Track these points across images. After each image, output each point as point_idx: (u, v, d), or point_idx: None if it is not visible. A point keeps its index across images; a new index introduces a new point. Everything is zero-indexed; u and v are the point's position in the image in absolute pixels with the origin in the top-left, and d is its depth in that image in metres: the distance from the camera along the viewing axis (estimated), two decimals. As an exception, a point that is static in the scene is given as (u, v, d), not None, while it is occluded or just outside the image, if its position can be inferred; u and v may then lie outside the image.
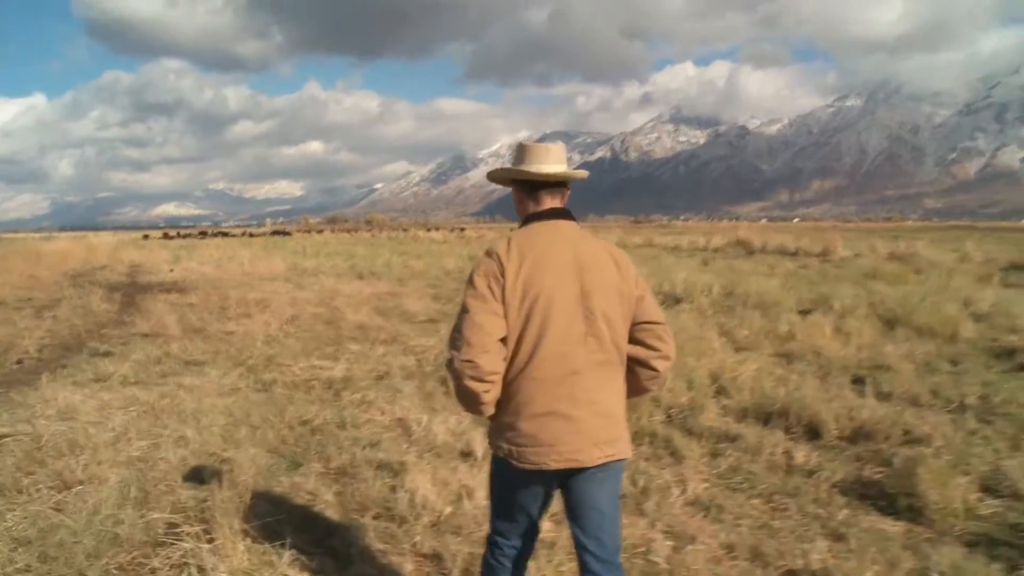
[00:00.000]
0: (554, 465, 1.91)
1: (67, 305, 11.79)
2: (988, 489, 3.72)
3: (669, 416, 5.10)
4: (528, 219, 2.05)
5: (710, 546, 3.20)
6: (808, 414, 4.85)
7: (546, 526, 2.92)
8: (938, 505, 3.46)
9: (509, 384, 1.94)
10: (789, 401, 5.05)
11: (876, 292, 10.66)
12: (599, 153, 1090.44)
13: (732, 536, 3.30)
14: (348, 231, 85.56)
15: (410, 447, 4.54)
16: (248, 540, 2.97)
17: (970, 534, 3.30)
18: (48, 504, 3.41)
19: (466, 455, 4.32)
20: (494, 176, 2.16)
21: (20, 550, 2.99)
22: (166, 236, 71.28)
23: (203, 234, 75.76)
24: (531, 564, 2.41)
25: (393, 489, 3.77)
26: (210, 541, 2.96)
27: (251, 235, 70.80)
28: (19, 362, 7.48)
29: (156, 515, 3.29)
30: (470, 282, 1.93)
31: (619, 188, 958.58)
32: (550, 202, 2.06)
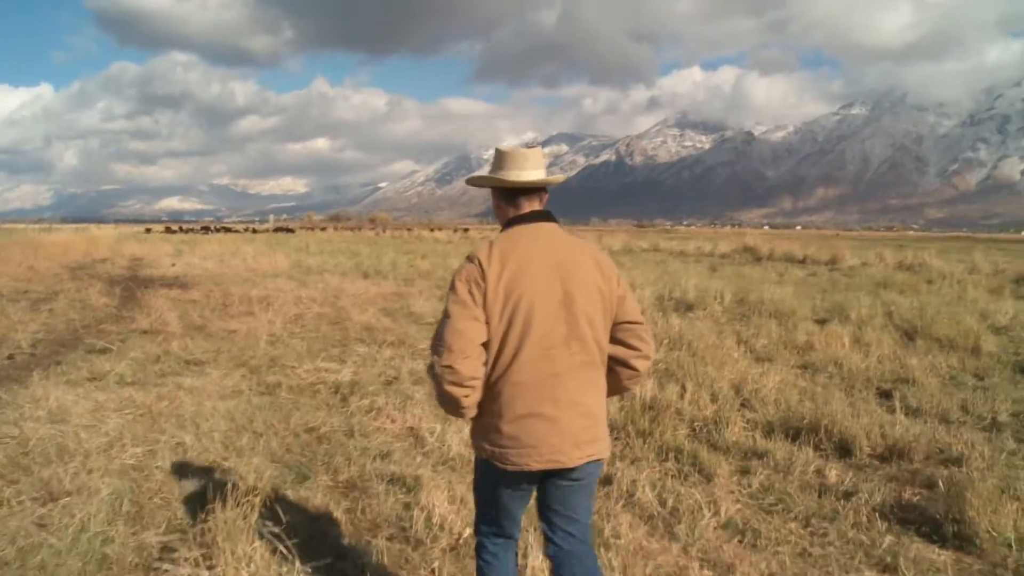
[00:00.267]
0: (536, 466, 1.94)
1: (65, 298, 11.54)
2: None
3: (693, 430, 4.88)
4: (509, 223, 2.08)
5: (751, 576, 2.96)
6: (838, 430, 4.65)
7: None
8: (988, 533, 3.24)
9: (492, 386, 1.96)
10: (818, 416, 4.84)
11: (890, 302, 10.56)
12: (604, 156, 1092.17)
13: (773, 565, 3.07)
14: (351, 229, 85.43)
15: (423, 459, 4.30)
16: (252, 566, 2.70)
17: (1024, 567, 3.07)
18: (31, 519, 3.15)
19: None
20: (473, 182, 2.19)
21: (-6, 572, 2.74)
22: (168, 230, 71.15)
23: (206, 229, 75.58)
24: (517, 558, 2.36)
25: (407, 506, 3.54)
26: (210, 568, 2.71)
27: (254, 231, 70.57)
28: (10, 357, 7.18)
29: (150, 534, 3.03)
30: (452, 288, 1.95)
31: (623, 192, 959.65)
32: (529, 206, 2.07)
